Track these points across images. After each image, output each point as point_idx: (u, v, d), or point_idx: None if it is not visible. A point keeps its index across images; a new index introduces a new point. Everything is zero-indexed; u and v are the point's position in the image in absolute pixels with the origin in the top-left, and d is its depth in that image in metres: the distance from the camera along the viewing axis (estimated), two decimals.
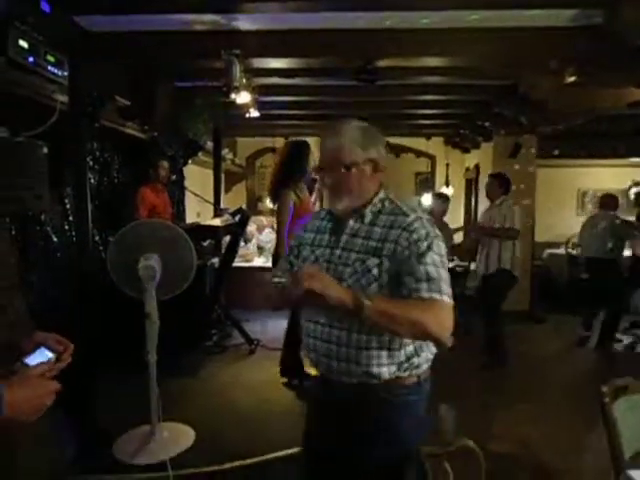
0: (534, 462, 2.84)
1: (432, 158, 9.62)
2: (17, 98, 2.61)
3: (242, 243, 6.14)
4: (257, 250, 7.00)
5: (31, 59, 2.47)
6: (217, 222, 4.16)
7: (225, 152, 7.80)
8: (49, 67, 2.61)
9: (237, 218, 4.28)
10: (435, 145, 9.16)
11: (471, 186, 8.36)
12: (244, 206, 4.42)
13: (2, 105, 2.54)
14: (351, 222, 1.48)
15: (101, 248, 4.08)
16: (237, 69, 3.37)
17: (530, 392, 3.86)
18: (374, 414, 1.46)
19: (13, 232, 2.92)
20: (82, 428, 2.59)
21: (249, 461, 2.57)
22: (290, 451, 2.62)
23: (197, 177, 6.58)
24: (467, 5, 3.17)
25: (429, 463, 1.54)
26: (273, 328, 4.96)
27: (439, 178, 9.32)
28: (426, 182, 10.67)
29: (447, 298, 1.35)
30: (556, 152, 7.02)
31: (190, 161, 5.56)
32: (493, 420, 3.34)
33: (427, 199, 9.13)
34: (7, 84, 2.47)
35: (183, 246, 2.66)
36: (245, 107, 4.15)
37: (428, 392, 1.53)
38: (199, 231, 3.78)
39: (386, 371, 1.42)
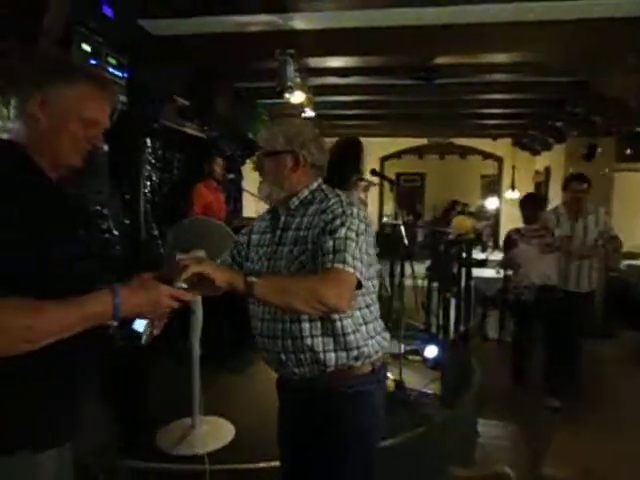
0: None
1: (499, 160, 9.21)
2: None
3: None
4: None
5: (93, 61, 2.62)
6: None
7: None
8: (110, 69, 2.75)
9: None
10: (502, 146, 8.76)
11: (540, 190, 7.89)
12: None
13: None
14: (282, 217, 1.52)
15: (159, 242, 4.25)
16: (291, 69, 3.38)
17: (597, 412, 3.57)
18: (327, 405, 1.47)
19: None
20: (129, 414, 2.70)
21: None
22: None
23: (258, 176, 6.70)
24: None
25: None
26: None
27: (506, 181, 8.89)
28: (492, 185, 10.24)
29: (351, 269, 1.33)
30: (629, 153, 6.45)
31: (249, 160, 5.66)
32: (553, 443, 3.13)
33: (492, 203, 8.76)
34: None
35: (227, 243, 2.69)
36: (300, 107, 4.16)
37: (384, 381, 1.57)
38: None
39: (334, 357, 1.44)
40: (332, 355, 1.43)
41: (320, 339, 1.43)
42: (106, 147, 2.91)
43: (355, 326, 1.45)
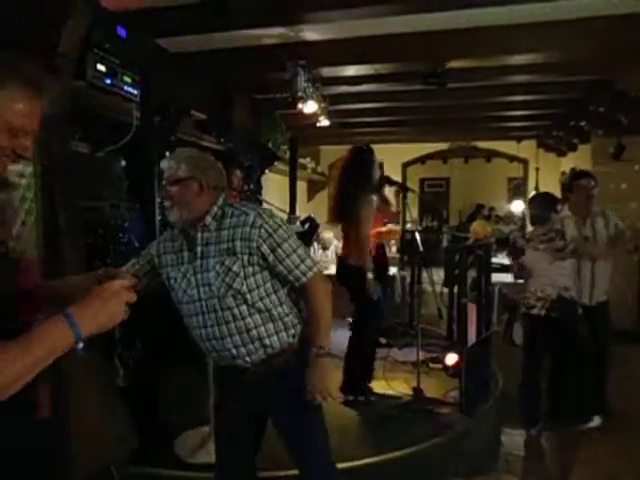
0: None
1: (524, 162, 9.03)
2: (97, 117, 2.87)
3: (319, 250, 6.20)
4: (335, 258, 7.02)
5: (108, 81, 2.70)
6: None
7: (307, 161, 7.96)
8: (125, 87, 2.84)
9: (306, 226, 4.32)
10: (527, 148, 8.59)
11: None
12: (313, 214, 4.43)
13: (84, 124, 2.80)
14: (199, 234, 1.66)
15: None
16: (302, 79, 3.42)
17: (624, 421, 3.43)
18: (287, 380, 1.70)
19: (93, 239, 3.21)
20: (146, 422, 2.75)
21: (292, 472, 2.56)
22: (337, 466, 2.56)
23: (279, 186, 6.78)
24: None
25: None
26: (340, 336, 4.90)
27: (532, 183, 8.71)
28: (519, 188, 10.03)
29: (315, 268, 1.68)
30: None
31: (268, 171, 5.73)
32: (579, 453, 3.03)
33: (518, 206, 8.59)
34: (88, 105, 2.72)
35: None
36: (314, 116, 4.20)
37: None
38: None
39: (277, 339, 1.67)
40: (276, 338, 1.67)
41: (263, 328, 1.66)
42: (123, 163, 3.00)
43: (289, 308, 1.71)
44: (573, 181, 3.56)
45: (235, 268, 1.59)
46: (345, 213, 3.38)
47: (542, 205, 3.44)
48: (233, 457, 1.92)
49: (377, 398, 3.46)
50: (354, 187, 3.34)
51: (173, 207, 1.66)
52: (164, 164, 1.71)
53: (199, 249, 1.66)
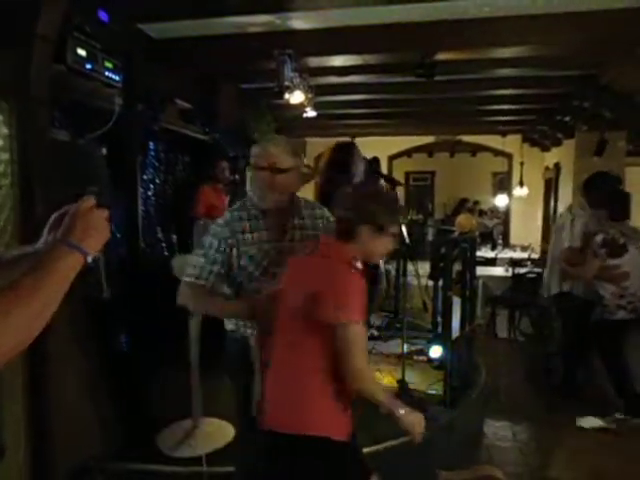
0: None
1: (509, 157, 9.10)
2: (77, 103, 2.78)
3: None
4: None
5: (89, 66, 2.62)
6: None
7: None
8: (106, 73, 2.76)
9: None
10: (512, 143, 8.65)
11: (550, 187, 7.78)
12: None
13: (64, 110, 2.72)
14: (291, 219, 1.81)
15: (163, 244, 4.27)
16: (289, 69, 3.37)
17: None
18: None
19: None
20: (129, 416, 2.71)
21: None
22: None
23: None
24: None
25: None
26: None
27: (516, 178, 8.79)
28: (503, 182, 10.12)
29: None
30: None
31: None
32: (562, 445, 3.07)
33: (502, 200, 8.66)
34: (68, 90, 2.64)
35: None
36: (301, 107, 4.14)
37: None
38: None
39: None
40: None
41: None
42: (104, 151, 2.92)
43: None
44: None
45: None
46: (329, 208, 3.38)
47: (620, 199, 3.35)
48: None
49: None
50: (336, 183, 3.35)
51: (273, 192, 1.76)
52: (260, 150, 1.77)
53: (290, 232, 1.80)
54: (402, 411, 1.49)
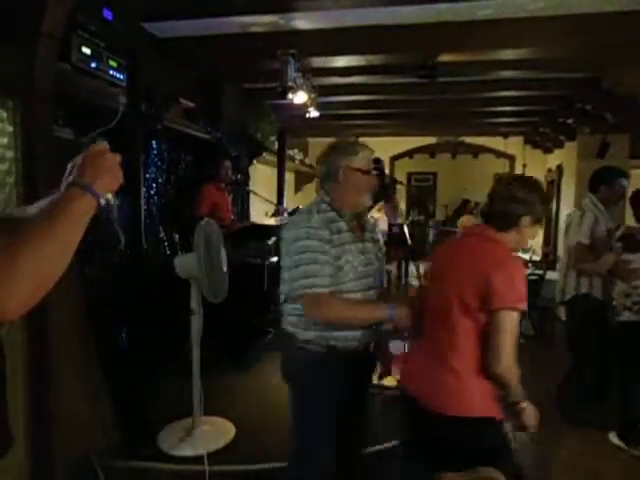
0: None
1: (511, 158, 9.09)
2: (82, 101, 2.79)
3: None
4: None
5: (93, 64, 2.63)
6: (272, 222, 4.20)
7: (295, 152, 7.90)
8: (111, 71, 2.77)
9: None
10: (514, 145, 8.64)
11: (552, 189, 7.77)
12: (301, 206, 4.38)
13: (68, 108, 2.72)
14: (365, 222, 1.93)
15: (166, 244, 4.28)
16: (292, 69, 3.37)
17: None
18: None
19: None
20: (130, 415, 2.72)
21: (284, 463, 2.55)
22: None
23: (267, 176, 6.72)
24: None
25: None
26: None
27: None
28: None
29: None
30: None
31: (255, 161, 5.67)
32: (563, 447, 3.06)
33: None
34: (72, 88, 2.64)
35: (216, 245, 2.71)
36: (304, 107, 4.15)
37: None
38: (254, 230, 3.83)
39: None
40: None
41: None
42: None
43: None
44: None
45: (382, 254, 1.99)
46: None
47: None
48: None
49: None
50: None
51: (367, 195, 1.87)
52: (368, 155, 1.87)
53: (366, 233, 1.91)
54: (524, 404, 1.59)
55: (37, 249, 0.80)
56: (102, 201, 0.92)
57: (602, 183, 3.33)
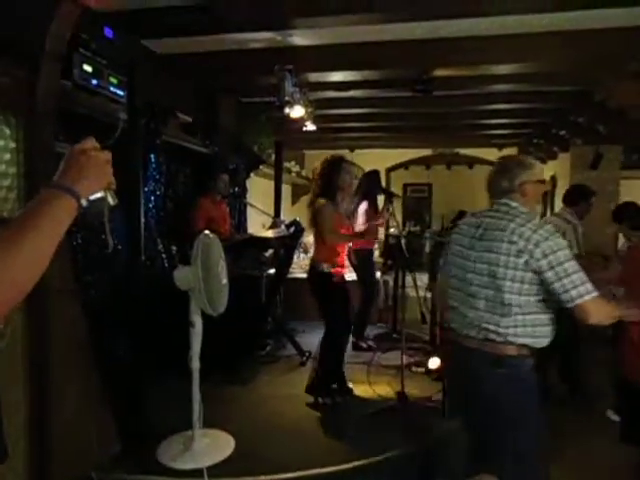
0: None
1: None
2: (83, 117, 2.83)
3: (302, 254, 6.19)
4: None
5: (95, 82, 2.67)
6: (269, 234, 4.24)
7: (291, 165, 7.96)
8: (111, 88, 2.81)
9: (292, 230, 4.33)
10: None
11: (546, 199, 7.84)
12: (298, 218, 4.43)
13: (69, 124, 2.76)
14: None
15: (164, 256, 4.30)
16: (289, 84, 3.42)
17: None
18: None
19: (79, 241, 3.17)
20: (129, 427, 2.72)
21: (283, 476, 2.56)
22: (324, 470, 2.57)
23: (264, 189, 6.77)
24: (538, 9, 2.95)
25: None
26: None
27: None
28: None
29: None
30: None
31: (253, 174, 5.72)
32: (562, 451, 3.08)
33: None
34: (73, 105, 2.68)
35: (216, 258, 2.73)
36: (301, 121, 4.20)
37: None
38: (252, 243, 3.86)
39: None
40: None
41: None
42: None
43: None
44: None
45: None
46: (312, 218, 3.53)
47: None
48: None
49: (358, 401, 3.53)
50: (317, 194, 3.48)
51: None
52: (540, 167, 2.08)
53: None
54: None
55: (10, 257, 0.75)
56: (84, 202, 0.87)
57: (582, 199, 3.68)
